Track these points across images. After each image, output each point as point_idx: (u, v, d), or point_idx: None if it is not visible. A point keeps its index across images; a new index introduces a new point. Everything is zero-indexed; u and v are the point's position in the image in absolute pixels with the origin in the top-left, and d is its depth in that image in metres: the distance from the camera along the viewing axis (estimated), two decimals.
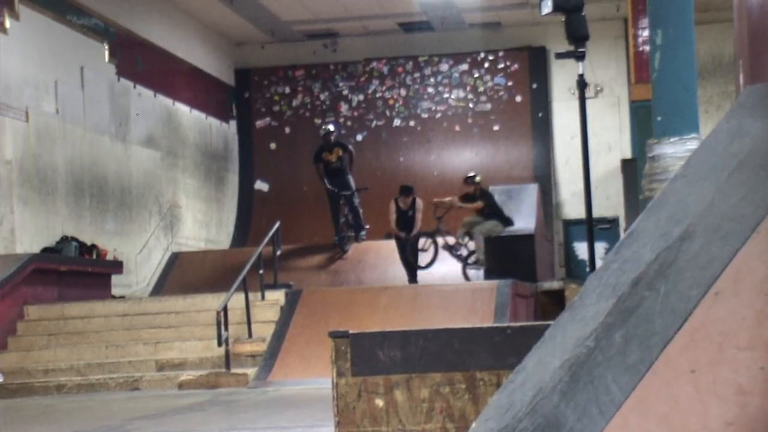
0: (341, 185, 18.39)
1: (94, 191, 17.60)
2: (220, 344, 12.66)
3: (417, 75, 23.79)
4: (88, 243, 16.63)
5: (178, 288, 16.76)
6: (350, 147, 18.84)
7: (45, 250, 15.59)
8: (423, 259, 17.11)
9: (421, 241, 17.12)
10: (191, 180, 21.34)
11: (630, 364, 2.81)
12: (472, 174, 17.84)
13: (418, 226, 17.05)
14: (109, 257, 17.15)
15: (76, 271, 15.73)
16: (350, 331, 5.85)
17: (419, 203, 17.14)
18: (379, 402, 5.69)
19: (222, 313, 12.68)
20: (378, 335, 5.90)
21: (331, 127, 19.05)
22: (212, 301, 13.90)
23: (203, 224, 21.66)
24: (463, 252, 17.15)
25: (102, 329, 14.28)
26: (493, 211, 17.20)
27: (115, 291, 16.97)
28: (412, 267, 17.14)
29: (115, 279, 17.02)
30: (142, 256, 18.78)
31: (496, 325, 9.20)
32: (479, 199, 17.23)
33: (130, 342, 13.91)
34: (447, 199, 17.47)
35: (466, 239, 17.14)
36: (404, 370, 5.74)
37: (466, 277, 17.00)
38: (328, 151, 18.48)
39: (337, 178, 18.39)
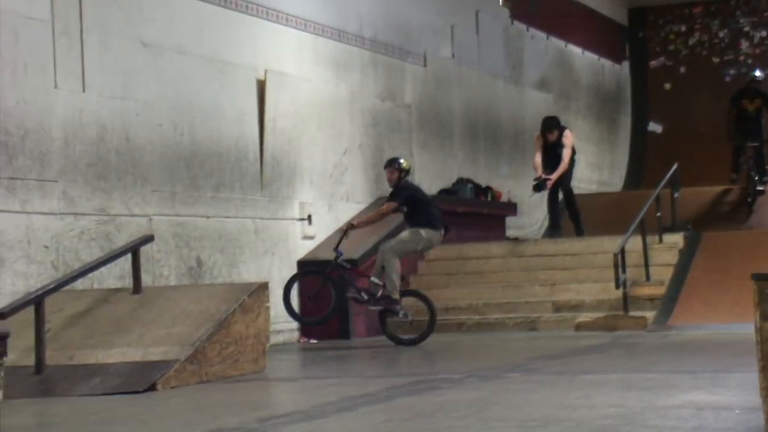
0: (751, 134, 17.58)
1: (488, 134, 17.80)
2: (618, 287, 12.48)
3: None
4: (483, 185, 16.85)
5: (568, 231, 16.61)
6: None
7: (442, 191, 15.94)
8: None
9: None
10: (583, 122, 21.13)
11: None
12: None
13: (563, 166, 14.86)
14: (503, 199, 17.30)
15: (472, 212, 16.01)
16: None
17: (567, 136, 14.98)
18: None
19: (619, 256, 12.48)
20: None
21: (758, 73, 18.24)
22: (608, 244, 13.69)
23: (595, 167, 21.41)
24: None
25: (499, 270, 14.45)
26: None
27: (508, 233, 17.14)
28: (575, 217, 15.22)
29: (508, 221, 17.20)
30: (534, 199, 18.78)
31: None
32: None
33: (526, 283, 13.98)
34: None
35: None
36: None
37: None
38: (749, 99, 17.75)
39: (748, 125, 17.62)
